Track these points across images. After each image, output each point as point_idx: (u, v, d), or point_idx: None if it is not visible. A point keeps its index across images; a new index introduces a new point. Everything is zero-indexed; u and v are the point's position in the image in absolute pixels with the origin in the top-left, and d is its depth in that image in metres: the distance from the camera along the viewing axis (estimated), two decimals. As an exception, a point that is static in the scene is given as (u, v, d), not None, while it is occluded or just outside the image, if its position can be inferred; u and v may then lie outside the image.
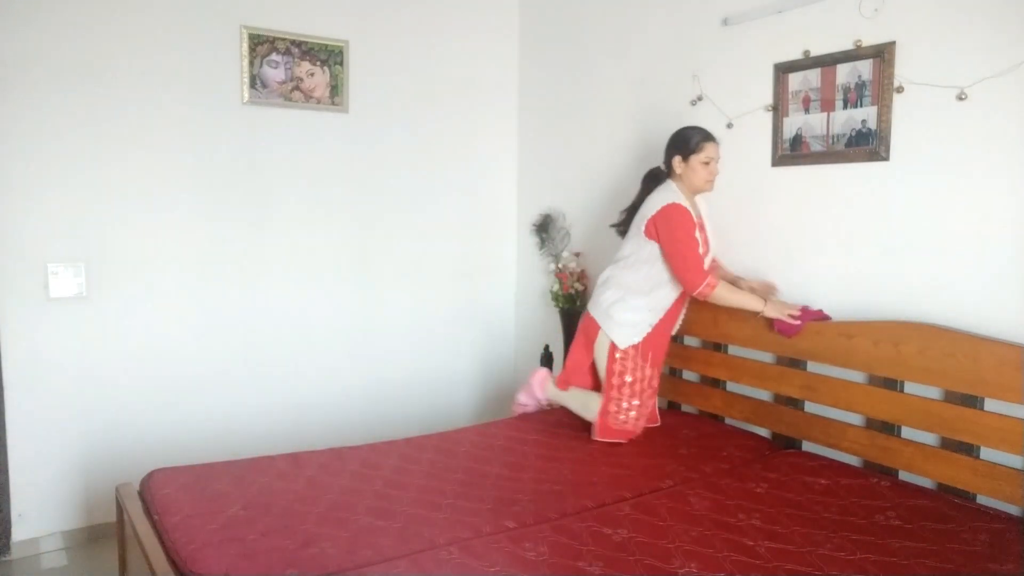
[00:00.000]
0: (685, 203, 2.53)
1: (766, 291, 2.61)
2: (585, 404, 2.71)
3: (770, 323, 2.51)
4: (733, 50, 2.79)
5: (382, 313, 3.67)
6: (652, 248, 2.57)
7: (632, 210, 2.72)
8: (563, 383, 2.81)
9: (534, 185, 3.90)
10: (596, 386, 2.74)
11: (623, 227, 2.76)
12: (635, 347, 2.61)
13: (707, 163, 2.56)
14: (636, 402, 2.60)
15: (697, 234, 2.52)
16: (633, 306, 2.61)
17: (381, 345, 3.68)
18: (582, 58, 3.53)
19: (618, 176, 3.36)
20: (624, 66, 3.29)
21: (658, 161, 2.70)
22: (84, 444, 2.99)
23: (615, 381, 2.61)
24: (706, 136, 2.57)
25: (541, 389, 2.89)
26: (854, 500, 2.05)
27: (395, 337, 3.71)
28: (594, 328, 2.69)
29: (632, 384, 2.61)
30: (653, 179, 2.70)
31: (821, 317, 2.44)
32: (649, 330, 2.62)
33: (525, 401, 2.96)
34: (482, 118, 3.88)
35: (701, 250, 2.53)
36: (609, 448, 2.54)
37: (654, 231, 2.54)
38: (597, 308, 2.70)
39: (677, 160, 2.58)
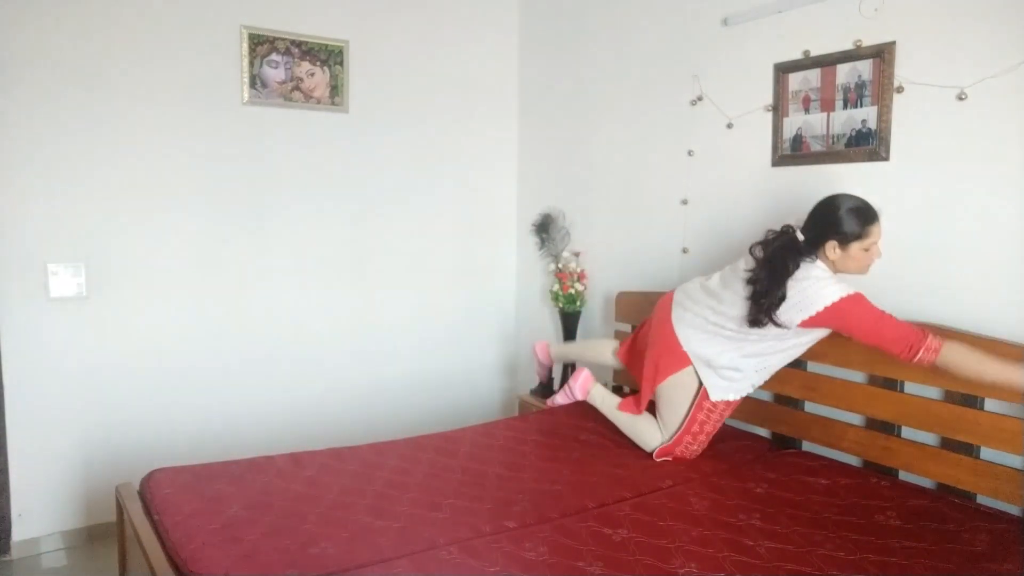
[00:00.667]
0: (851, 290, 2.10)
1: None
2: (637, 433, 2.53)
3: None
4: (733, 50, 2.79)
5: (382, 313, 3.67)
6: (800, 337, 2.25)
7: (765, 293, 2.17)
8: (632, 407, 2.56)
9: (534, 185, 3.90)
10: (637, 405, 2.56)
11: (759, 313, 2.19)
12: (728, 403, 2.39)
13: (869, 249, 2.14)
14: (703, 438, 2.43)
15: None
16: (743, 372, 2.34)
17: (381, 345, 3.68)
18: (582, 58, 3.53)
19: (618, 176, 3.36)
20: (624, 66, 3.29)
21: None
22: (84, 444, 2.99)
23: (695, 428, 2.40)
24: (873, 216, 2.13)
25: (584, 392, 2.71)
26: (854, 500, 2.05)
27: (395, 337, 3.71)
28: (681, 363, 2.40)
29: (708, 431, 2.42)
30: (793, 255, 2.18)
31: None
32: (750, 391, 2.40)
33: (561, 401, 2.81)
34: (482, 118, 3.88)
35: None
36: (609, 448, 2.54)
37: (824, 325, 2.16)
38: (694, 353, 2.39)
39: (833, 245, 2.14)
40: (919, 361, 1.99)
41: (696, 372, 2.39)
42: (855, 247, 2.13)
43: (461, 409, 3.93)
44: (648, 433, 2.51)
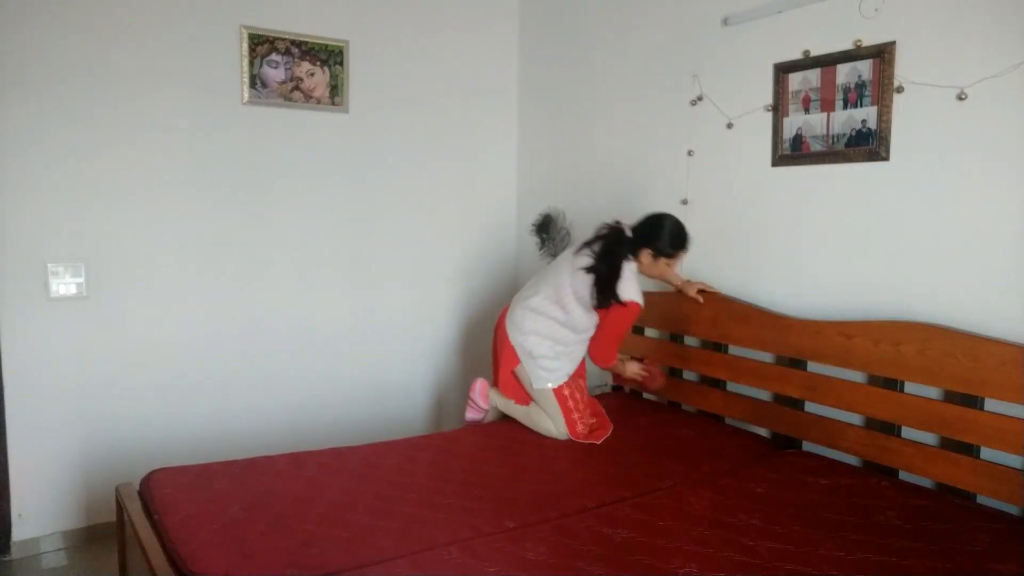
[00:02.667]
0: (642, 301, 2.61)
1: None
2: (533, 422, 2.76)
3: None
4: (733, 50, 2.79)
5: (382, 313, 3.68)
6: (596, 320, 2.70)
7: (598, 268, 2.61)
8: (522, 399, 2.85)
9: (534, 185, 3.90)
10: (525, 397, 2.84)
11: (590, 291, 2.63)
12: (569, 377, 2.76)
13: (670, 266, 2.69)
14: (582, 407, 2.72)
15: None
16: (569, 363, 2.76)
17: (381, 345, 3.68)
18: (582, 58, 3.53)
19: (618, 176, 3.36)
20: (624, 66, 3.29)
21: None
22: (84, 444, 2.99)
23: (570, 405, 2.70)
24: (685, 244, 2.64)
25: (484, 398, 2.92)
26: (854, 500, 2.05)
27: (395, 337, 3.71)
28: (515, 360, 2.79)
29: (579, 399, 2.72)
30: (619, 244, 2.63)
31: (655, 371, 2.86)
32: (566, 379, 2.74)
33: (472, 417, 2.96)
34: (482, 118, 3.88)
35: None
36: (609, 448, 2.55)
37: (606, 311, 2.63)
38: (521, 349, 2.77)
39: (647, 253, 2.62)
40: (599, 366, 2.80)
41: (526, 371, 2.76)
42: (663, 261, 2.64)
43: (462, 409, 3.91)
44: (543, 422, 2.72)
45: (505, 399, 2.87)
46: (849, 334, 2.32)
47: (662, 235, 2.60)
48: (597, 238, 2.70)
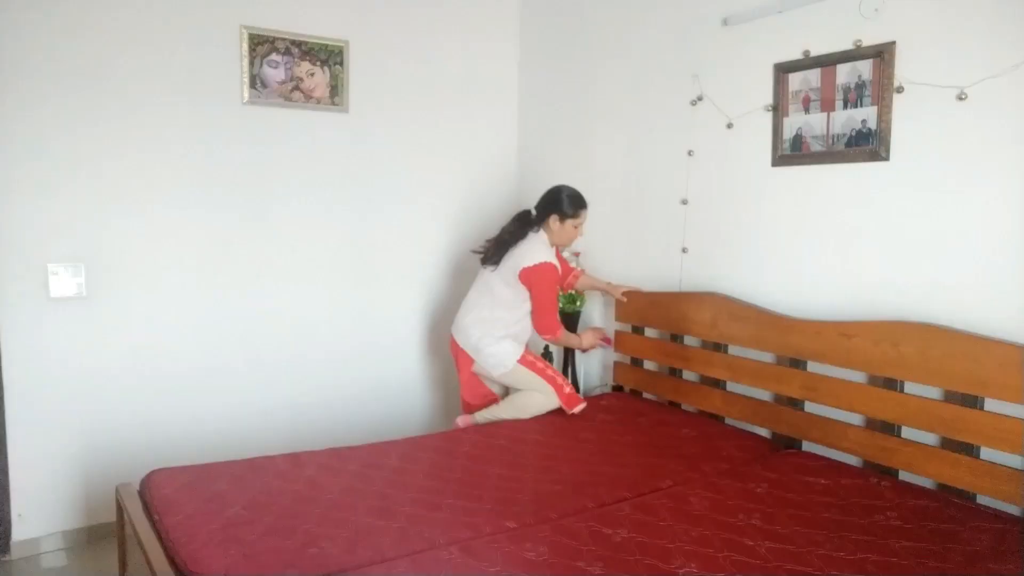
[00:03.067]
0: (555, 261, 2.91)
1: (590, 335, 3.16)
2: (520, 407, 2.90)
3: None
4: (733, 50, 2.79)
5: (382, 312, 3.68)
6: (525, 293, 2.92)
7: (501, 245, 2.98)
8: (469, 408, 3.07)
9: (534, 185, 3.89)
10: (493, 398, 3.07)
11: (492, 260, 2.98)
12: (525, 351, 2.99)
13: (577, 227, 2.96)
14: (557, 374, 2.97)
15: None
16: (515, 347, 2.95)
17: (381, 344, 3.68)
18: (582, 58, 3.53)
19: (618, 176, 3.36)
20: (624, 66, 3.29)
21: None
22: (84, 444, 2.99)
23: (550, 373, 2.95)
24: (583, 204, 2.95)
25: (469, 422, 2.99)
26: (854, 500, 2.05)
27: (395, 336, 3.71)
28: (470, 360, 3.02)
29: (548, 369, 2.96)
30: (525, 223, 2.98)
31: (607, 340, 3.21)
32: (523, 350, 2.97)
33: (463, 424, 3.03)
34: (482, 118, 3.88)
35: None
36: (609, 448, 2.54)
37: (527, 281, 2.88)
38: (477, 352, 2.98)
39: (555, 218, 2.92)
40: (548, 338, 3.00)
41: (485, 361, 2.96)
42: (569, 223, 2.92)
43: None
44: (529, 401, 2.89)
45: (486, 413, 2.98)
46: (849, 334, 2.32)
47: (562, 199, 2.92)
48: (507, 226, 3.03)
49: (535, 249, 2.90)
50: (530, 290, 2.90)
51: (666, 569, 1.70)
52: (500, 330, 2.95)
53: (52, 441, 2.92)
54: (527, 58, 3.91)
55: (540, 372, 2.92)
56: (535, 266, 2.85)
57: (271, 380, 3.39)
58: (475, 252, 3.12)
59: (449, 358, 3.89)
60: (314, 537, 1.83)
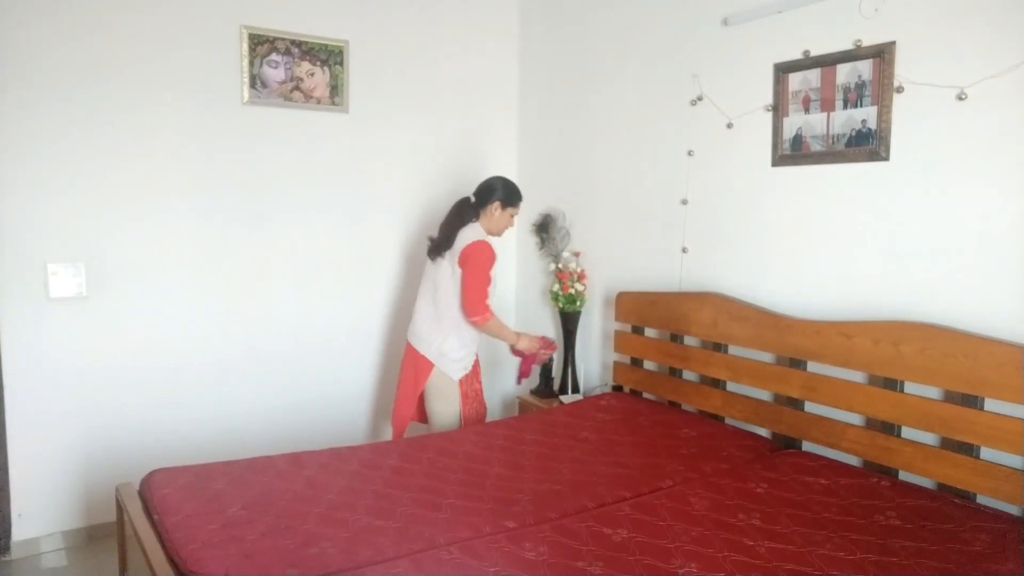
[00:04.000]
0: (492, 245, 2.91)
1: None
2: (444, 424, 2.99)
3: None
4: (733, 50, 2.79)
5: (382, 312, 3.68)
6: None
7: (446, 232, 2.98)
8: (403, 421, 3.05)
9: (534, 185, 3.90)
10: (420, 414, 3.10)
11: (439, 251, 2.98)
12: (467, 375, 3.03)
13: (514, 216, 3.07)
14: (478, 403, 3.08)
15: (491, 272, 2.91)
16: (463, 342, 2.98)
17: (381, 344, 3.68)
18: (582, 58, 3.53)
19: (618, 176, 3.36)
20: (624, 66, 3.29)
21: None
22: (84, 444, 2.99)
23: (470, 393, 3.03)
24: (519, 195, 3.06)
25: None
26: (854, 500, 2.05)
27: (395, 337, 3.71)
28: (427, 365, 2.98)
29: (472, 397, 3.04)
30: (466, 210, 3.00)
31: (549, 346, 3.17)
32: (474, 360, 3.06)
33: None
34: (482, 118, 3.88)
35: (489, 287, 2.92)
36: (609, 448, 2.54)
37: (463, 262, 2.87)
38: (428, 346, 2.98)
39: (496, 205, 2.97)
40: (476, 321, 2.90)
41: (441, 370, 2.96)
42: (509, 211, 3.01)
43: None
44: (440, 409, 2.99)
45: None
46: (849, 334, 2.32)
47: (507, 185, 3.01)
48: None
49: (471, 232, 2.92)
50: (463, 268, 2.88)
51: (666, 569, 1.70)
52: (463, 332, 2.97)
53: (52, 441, 2.93)
54: (527, 58, 3.91)
55: (466, 401, 3.01)
56: (473, 243, 2.86)
57: (271, 380, 3.39)
58: (429, 253, 3.08)
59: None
60: (314, 537, 1.83)
